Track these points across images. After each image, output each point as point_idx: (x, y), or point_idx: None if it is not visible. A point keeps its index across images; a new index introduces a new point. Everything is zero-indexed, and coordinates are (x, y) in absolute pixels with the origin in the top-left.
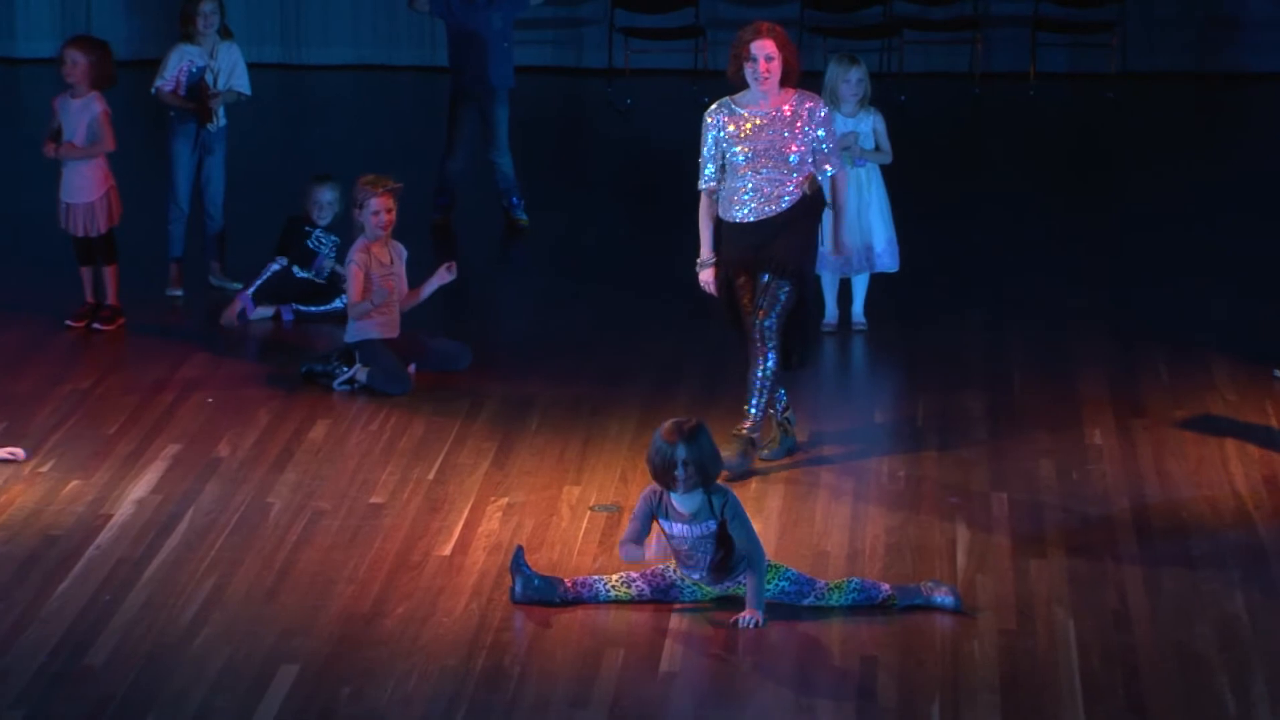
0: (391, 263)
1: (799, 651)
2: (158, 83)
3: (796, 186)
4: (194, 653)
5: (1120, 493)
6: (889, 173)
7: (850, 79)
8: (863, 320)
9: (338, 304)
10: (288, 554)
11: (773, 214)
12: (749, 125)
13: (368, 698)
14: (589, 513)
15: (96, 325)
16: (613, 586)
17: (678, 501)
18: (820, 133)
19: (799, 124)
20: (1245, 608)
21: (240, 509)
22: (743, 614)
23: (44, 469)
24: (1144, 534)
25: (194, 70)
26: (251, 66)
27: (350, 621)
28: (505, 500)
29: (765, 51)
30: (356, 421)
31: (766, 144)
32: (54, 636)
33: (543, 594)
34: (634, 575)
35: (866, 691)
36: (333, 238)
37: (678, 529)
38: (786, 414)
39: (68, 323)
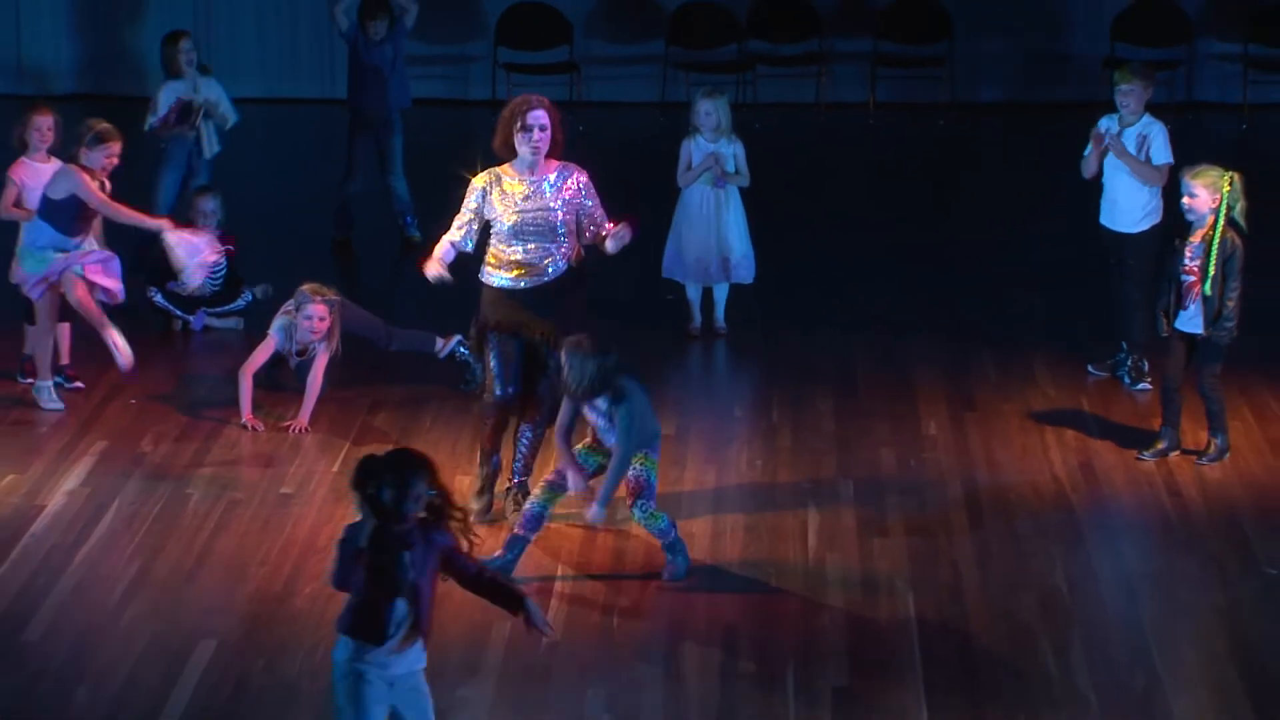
0: (306, 351)
1: (669, 622)
2: (151, 120)
3: (563, 257)
4: (121, 630)
5: (953, 478)
6: (747, 194)
7: (699, 110)
8: (724, 325)
9: (240, 304)
10: (206, 540)
11: (539, 284)
12: (517, 195)
13: (279, 669)
14: None
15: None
16: (539, 500)
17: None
18: (589, 203)
19: (568, 195)
20: (1065, 580)
21: (162, 499)
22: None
23: None
24: (974, 515)
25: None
26: None
27: (263, 601)
28: None
29: (541, 121)
30: (267, 420)
31: (533, 214)
32: None
33: (514, 561)
34: (542, 481)
35: (729, 659)
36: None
37: (599, 421)
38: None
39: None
